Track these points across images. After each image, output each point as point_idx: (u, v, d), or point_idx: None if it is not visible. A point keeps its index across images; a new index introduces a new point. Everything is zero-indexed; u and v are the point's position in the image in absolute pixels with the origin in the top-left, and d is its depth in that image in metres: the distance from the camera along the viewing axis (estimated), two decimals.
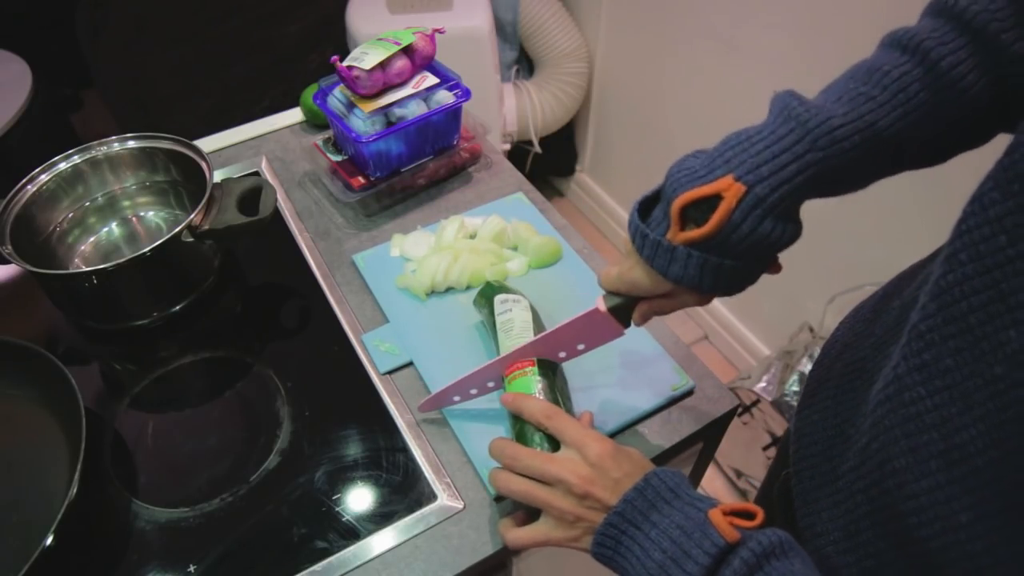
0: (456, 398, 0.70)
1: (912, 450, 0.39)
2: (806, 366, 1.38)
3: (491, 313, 0.74)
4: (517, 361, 0.66)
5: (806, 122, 0.46)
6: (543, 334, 0.65)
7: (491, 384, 0.70)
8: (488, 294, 0.76)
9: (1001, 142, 0.37)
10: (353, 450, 0.70)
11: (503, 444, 0.60)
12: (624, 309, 0.60)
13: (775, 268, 0.54)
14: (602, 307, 0.60)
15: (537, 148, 2.02)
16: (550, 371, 0.66)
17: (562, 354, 0.67)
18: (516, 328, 0.71)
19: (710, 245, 0.49)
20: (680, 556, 0.47)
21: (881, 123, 0.46)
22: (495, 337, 0.72)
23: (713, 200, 0.47)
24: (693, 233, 0.48)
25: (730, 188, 0.46)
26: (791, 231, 0.49)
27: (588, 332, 0.63)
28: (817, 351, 1.38)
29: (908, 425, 0.40)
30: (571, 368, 0.73)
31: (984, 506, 0.37)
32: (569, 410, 0.65)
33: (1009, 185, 0.33)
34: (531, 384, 0.64)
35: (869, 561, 0.46)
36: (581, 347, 0.66)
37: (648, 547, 0.49)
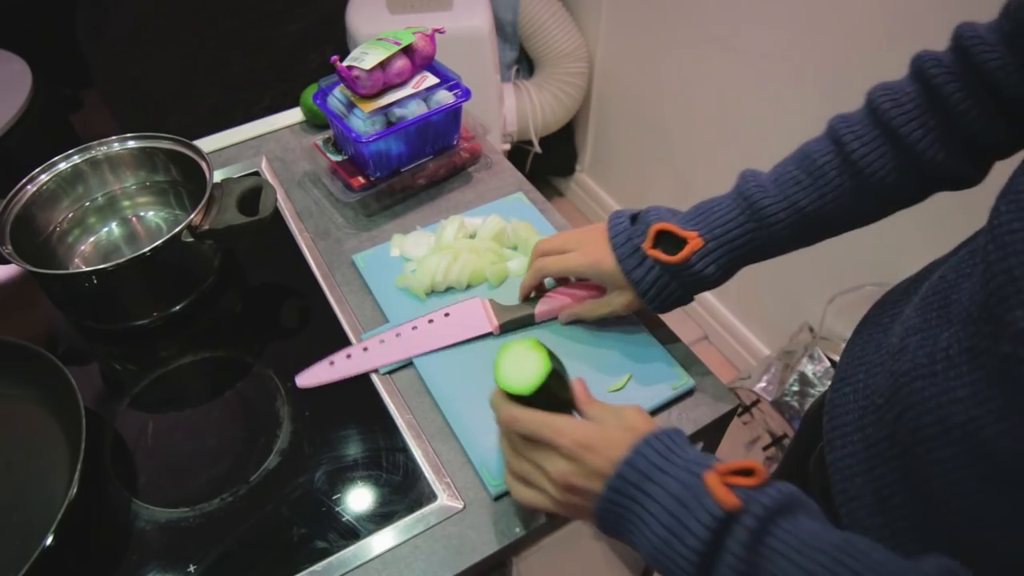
0: (331, 363, 0.77)
1: (940, 420, 0.44)
2: (806, 366, 1.38)
3: None
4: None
5: (748, 199, 0.63)
6: (426, 316, 0.76)
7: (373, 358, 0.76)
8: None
9: None
10: (353, 450, 0.70)
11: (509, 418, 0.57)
12: (512, 326, 0.77)
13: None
14: (495, 322, 0.77)
15: (537, 148, 2.02)
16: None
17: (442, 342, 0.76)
18: None
19: (668, 268, 0.65)
20: (680, 531, 0.45)
21: (802, 203, 0.61)
22: None
23: (680, 241, 0.64)
24: (664, 256, 0.64)
25: (695, 239, 0.63)
26: (719, 278, 0.65)
27: (468, 320, 0.78)
28: (817, 351, 1.38)
29: (941, 398, 0.44)
30: (572, 369, 0.73)
31: (992, 475, 0.40)
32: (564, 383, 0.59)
33: None
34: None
35: (900, 522, 0.49)
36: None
37: (650, 522, 0.47)
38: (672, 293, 0.67)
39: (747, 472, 0.46)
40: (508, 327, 0.77)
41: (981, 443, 0.40)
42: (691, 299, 0.68)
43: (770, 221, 0.62)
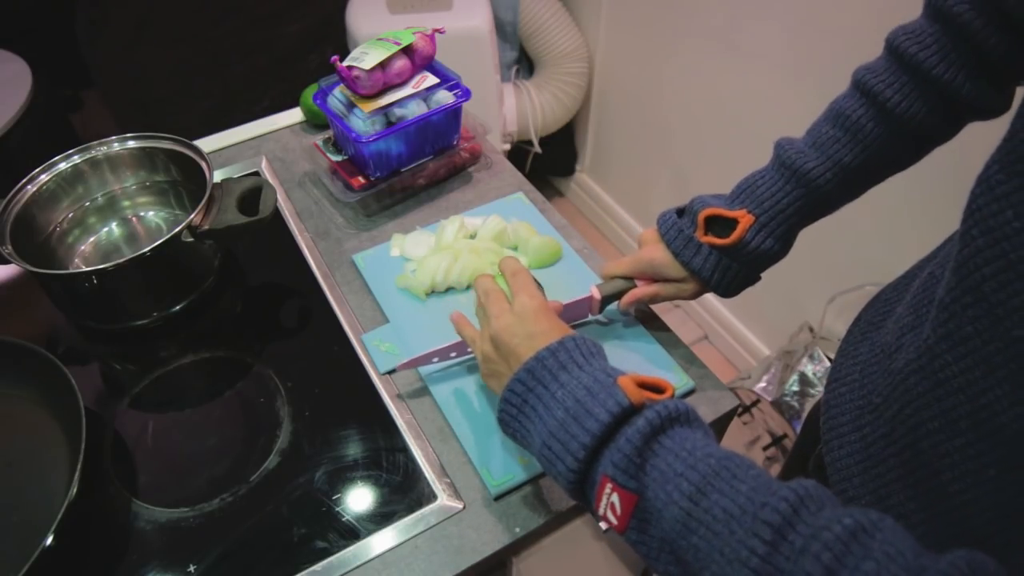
0: (435, 359, 0.72)
1: (943, 413, 0.43)
2: (806, 366, 1.38)
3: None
4: None
5: (790, 166, 0.64)
6: None
7: (470, 350, 0.72)
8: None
9: (996, 132, 0.39)
10: (353, 450, 0.70)
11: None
12: (612, 299, 0.74)
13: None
14: (597, 295, 0.73)
15: (537, 148, 2.02)
16: None
17: None
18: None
19: (726, 250, 0.66)
20: (582, 414, 0.47)
21: (846, 159, 0.63)
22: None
23: (731, 222, 0.66)
24: (718, 240, 0.66)
25: (745, 217, 0.65)
26: (780, 249, 0.67)
27: (572, 314, 0.75)
28: (817, 351, 1.38)
29: (938, 391, 0.43)
30: None
31: (1011, 460, 0.40)
32: None
33: (1013, 166, 0.37)
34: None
35: (899, 521, 0.49)
36: None
37: (552, 405, 0.49)
38: (736, 274, 0.68)
39: (657, 389, 0.50)
40: (607, 303, 0.76)
41: (997, 430, 0.40)
42: (758, 278, 0.70)
43: (818, 183, 0.63)
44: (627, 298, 0.73)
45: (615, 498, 0.45)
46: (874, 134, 0.61)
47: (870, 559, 0.35)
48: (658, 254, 0.70)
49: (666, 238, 0.69)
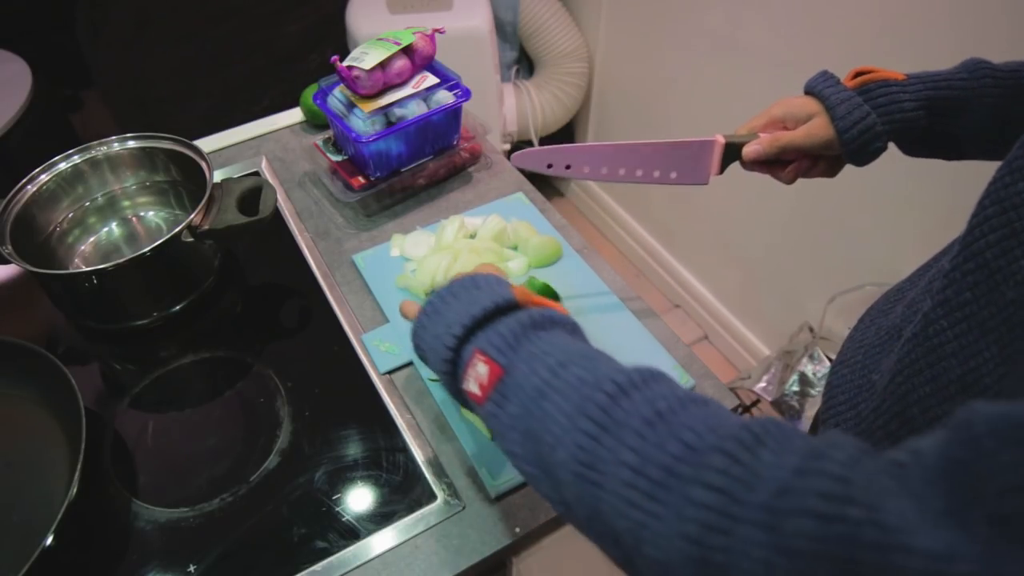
0: (549, 165, 0.68)
1: (934, 378, 0.45)
2: (806, 366, 1.38)
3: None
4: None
5: (968, 60, 0.64)
6: (655, 142, 0.67)
7: (586, 169, 0.69)
8: None
9: None
10: (353, 450, 0.70)
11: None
12: (734, 151, 0.68)
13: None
14: (721, 139, 0.68)
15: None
16: None
17: (656, 173, 0.69)
18: None
19: (864, 89, 0.65)
20: (470, 303, 0.50)
21: None
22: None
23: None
24: (860, 79, 0.65)
25: (896, 73, 0.64)
26: (915, 111, 0.64)
27: (689, 162, 0.69)
28: (817, 351, 1.38)
29: (931, 356, 0.45)
30: None
31: None
32: None
33: None
34: None
35: None
36: (674, 175, 0.69)
37: (452, 304, 0.51)
38: (864, 118, 0.63)
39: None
40: (729, 156, 0.70)
41: (982, 392, 0.41)
42: (886, 144, 0.65)
43: (983, 72, 0.62)
44: (751, 146, 0.67)
45: (481, 368, 0.46)
46: None
47: (700, 407, 0.37)
48: (792, 100, 0.68)
49: (810, 82, 0.68)
